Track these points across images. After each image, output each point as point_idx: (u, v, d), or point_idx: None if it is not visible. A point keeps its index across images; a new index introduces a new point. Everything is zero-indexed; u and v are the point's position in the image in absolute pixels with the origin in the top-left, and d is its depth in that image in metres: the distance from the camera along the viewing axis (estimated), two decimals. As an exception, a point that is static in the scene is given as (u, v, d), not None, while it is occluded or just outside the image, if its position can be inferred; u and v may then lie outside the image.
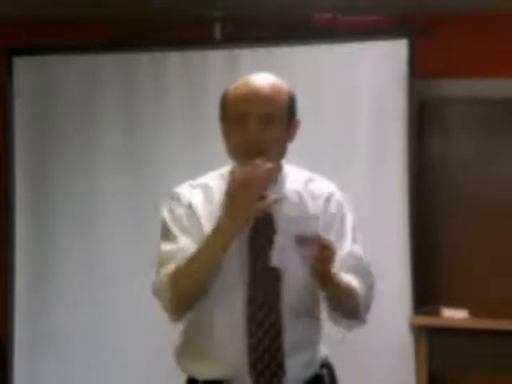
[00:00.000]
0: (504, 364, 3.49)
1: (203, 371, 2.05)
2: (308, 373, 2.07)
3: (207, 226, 2.00)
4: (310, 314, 2.09)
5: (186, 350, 2.10)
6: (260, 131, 1.97)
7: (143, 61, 3.81)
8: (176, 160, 3.72)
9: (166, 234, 2.06)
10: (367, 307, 2.11)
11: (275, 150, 2.02)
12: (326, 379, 2.11)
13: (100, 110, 3.84)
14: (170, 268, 1.99)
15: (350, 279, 2.03)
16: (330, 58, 3.65)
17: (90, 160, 3.84)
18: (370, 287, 2.11)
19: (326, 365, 2.14)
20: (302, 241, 1.90)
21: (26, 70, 3.90)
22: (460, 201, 3.90)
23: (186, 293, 1.99)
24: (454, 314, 3.55)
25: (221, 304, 2.01)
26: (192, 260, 1.95)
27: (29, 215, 3.88)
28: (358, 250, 2.12)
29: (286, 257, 1.97)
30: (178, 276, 1.96)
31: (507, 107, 3.89)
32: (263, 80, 2.03)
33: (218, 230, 1.93)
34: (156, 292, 2.04)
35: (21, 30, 3.98)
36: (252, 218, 1.93)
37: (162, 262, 2.03)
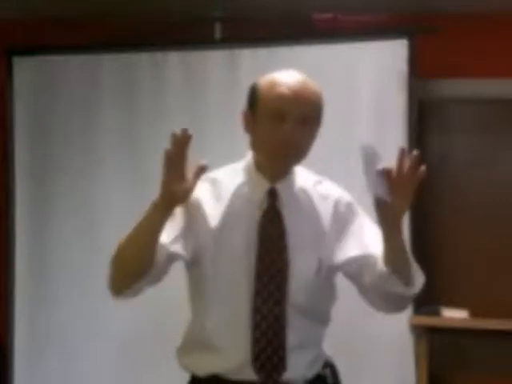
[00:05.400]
0: (504, 364, 3.48)
1: (205, 365, 2.05)
2: (311, 372, 2.08)
3: (212, 221, 2.01)
4: (316, 315, 2.09)
5: (189, 345, 2.10)
6: (297, 133, 1.96)
7: (143, 61, 3.81)
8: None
9: None
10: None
11: (305, 151, 2.03)
12: (329, 380, 2.12)
13: (100, 110, 3.84)
14: None
15: None
16: (330, 57, 3.64)
17: (90, 160, 3.83)
18: None
19: (329, 365, 2.15)
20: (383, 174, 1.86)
21: (26, 70, 3.90)
22: (460, 201, 3.90)
23: (123, 263, 2.03)
24: (454, 314, 3.54)
25: (226, 296, 2.02)
26: (129, 234, 1.98)
27: (29, 215, 3.88)
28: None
29: (295, 258, 1.98)
30: (118, 247, 2.02)
31: (507, 107, 3.89)
32: (301, 80, 2.02)
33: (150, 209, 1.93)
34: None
35: (21, 29, 3.98)
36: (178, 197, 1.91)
37: None
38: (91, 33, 3.86)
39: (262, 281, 1.99)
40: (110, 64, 3.84)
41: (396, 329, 3.50)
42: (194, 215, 2.02)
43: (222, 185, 2.07)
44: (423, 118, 3.83)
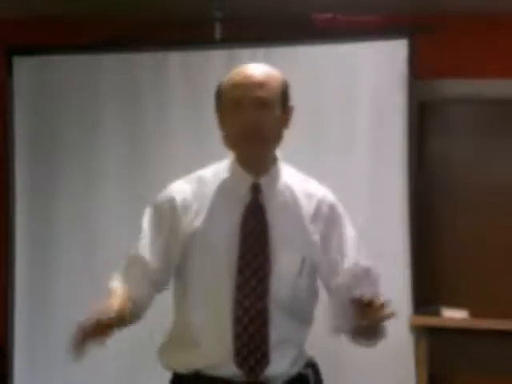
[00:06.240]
0: (504, 364, 3.48)
1: (188, 361, 2.05)
2: (293, 371, 2.07)
3: (198, 218, 2.03)
4: (299, 313, 2.08)
5: (171, 344, 2.11)
6: (254, 115, 1.99)
7: (143, 61, 3.82)
8: (176, 159, 3.71)
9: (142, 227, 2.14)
10: None
11: (270, 133, 2.03)
12: (311, 378, 2.11)
13: (100, 110, 3.84)
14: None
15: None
16: (330, 57, 3.65)
17: (90, 159, 3.83)
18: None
19: (312, 365, 2.14)
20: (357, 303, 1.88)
21: (26, 70, 3.90)
22: (460, 201, 3.90)
23: None
24: (454, 314, 3.54)
25: (211, 291, 2.02)
26: None
27: (29, 215, 3.88)
28: (364, 260, 2.12)
29: (278, 253, 1.98)
30: None
31: (507, 107, 3.89)
32: (256, 67, 2.07)
33: None
34: None
35: (21, 29, 3.98)
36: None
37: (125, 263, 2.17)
38: (91, 33, 3.86)
39: (243, 275, 1.99)
40: (110, 64, 3.84)
41: (396, 329, 3.49)
42: (180, 217, 2.04)
43: (207, 182, 2.09)
44: (423, 118, 3.83)
